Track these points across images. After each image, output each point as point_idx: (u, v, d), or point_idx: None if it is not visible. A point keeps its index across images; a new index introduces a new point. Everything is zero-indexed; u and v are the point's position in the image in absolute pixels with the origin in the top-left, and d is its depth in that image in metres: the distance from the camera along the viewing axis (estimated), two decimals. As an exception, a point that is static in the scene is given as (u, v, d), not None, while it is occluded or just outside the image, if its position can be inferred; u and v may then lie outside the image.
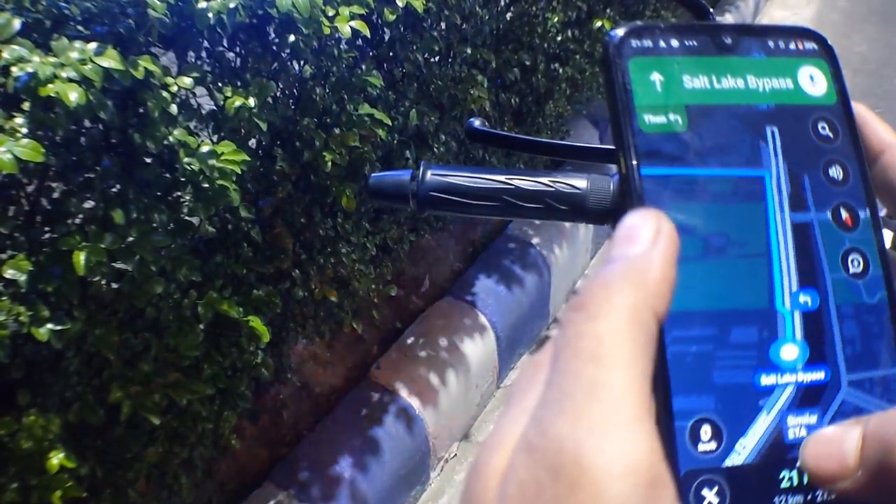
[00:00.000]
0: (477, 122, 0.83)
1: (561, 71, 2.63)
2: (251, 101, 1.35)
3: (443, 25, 1.98)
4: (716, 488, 0.30)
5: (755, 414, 0.31)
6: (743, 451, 0.30)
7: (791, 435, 0.31)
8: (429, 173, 0.75)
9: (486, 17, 2.09)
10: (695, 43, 0.36)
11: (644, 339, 0.27)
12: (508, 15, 2.36)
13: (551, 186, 0.73)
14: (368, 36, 1.51)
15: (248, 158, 1.31)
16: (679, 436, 0.30)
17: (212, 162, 1.27)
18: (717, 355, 0.31)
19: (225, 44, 1.46)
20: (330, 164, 1.56)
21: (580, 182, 0.74)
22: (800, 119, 0.36)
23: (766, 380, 0.31)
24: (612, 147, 0.54)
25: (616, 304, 0.27)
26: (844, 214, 0.34)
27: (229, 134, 1.41)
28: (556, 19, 2.40)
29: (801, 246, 0.33)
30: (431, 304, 2.48)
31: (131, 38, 1.23)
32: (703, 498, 0.30)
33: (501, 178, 0.74)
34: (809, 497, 0.30)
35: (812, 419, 0.31)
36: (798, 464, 0.30)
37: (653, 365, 0.27)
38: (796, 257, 0.33)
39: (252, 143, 1.53)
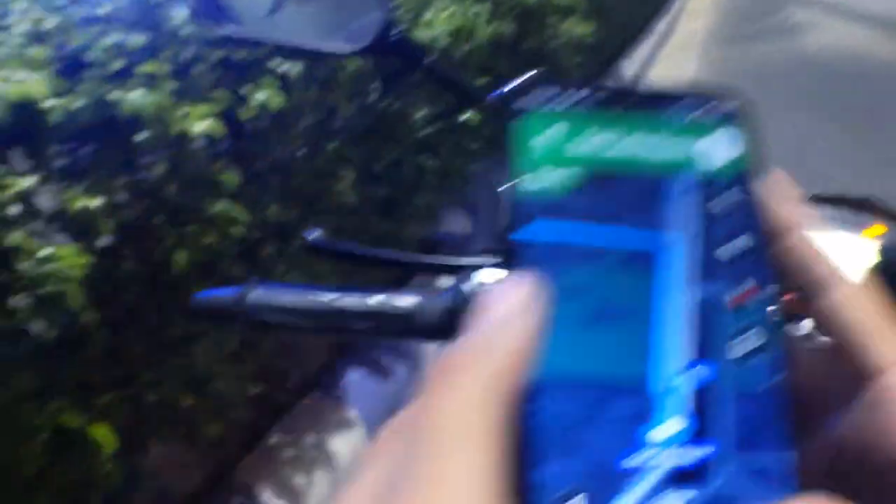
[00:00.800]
0: (315, 235, 0.81)
1: (429, 163, 2.65)
2: (96, 201, 1.30)
3: (308, 120, 1.98)
4: None
5: (621, 493, 0.28)
6: None
7: None
8: (255, 293, 0.73)
9: (350, 113, 2.10)
10: (595, 101, 0.34)
11: (493, 418, 0.25)
12: (377, 109, 2.38)
13: (380, 307, 0.72)
14: (222, 135, 1.48)
15: (90, 261, 1.26)
16: None
17: (50, 266, 1.21)
18: (586, 428, 0.29)
19: (74, 142, 1.42)
20: (184, 262, 1.51)
21: (410, 301, 0.73)
22: (702, 187, 0.33)
23: (636, 459, 0.28)
24: (457, 261, 0.52)
25: (465, 381, 0.25)
26: (740, 290, 0.32)
27: (74, 234, 1.36)
28: (422, 112, 2.44)
29: (693, 322, 0.31)
30: (298, 400, 2.42)
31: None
32: None
33: (329, 298, 0.72)
34: None
35: (689, 496, 0.28)
36: None
37: (506, 442, 0.25)
38: (684, 333, 0.31)
39: (103, 241, 1.48)
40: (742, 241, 0.33)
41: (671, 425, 0.29)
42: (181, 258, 1.53)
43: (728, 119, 0.35)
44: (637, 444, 0.29)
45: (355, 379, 2.52)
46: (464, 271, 0.73)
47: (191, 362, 1.74)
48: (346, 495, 0.26)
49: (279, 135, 1.81)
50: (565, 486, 0.27)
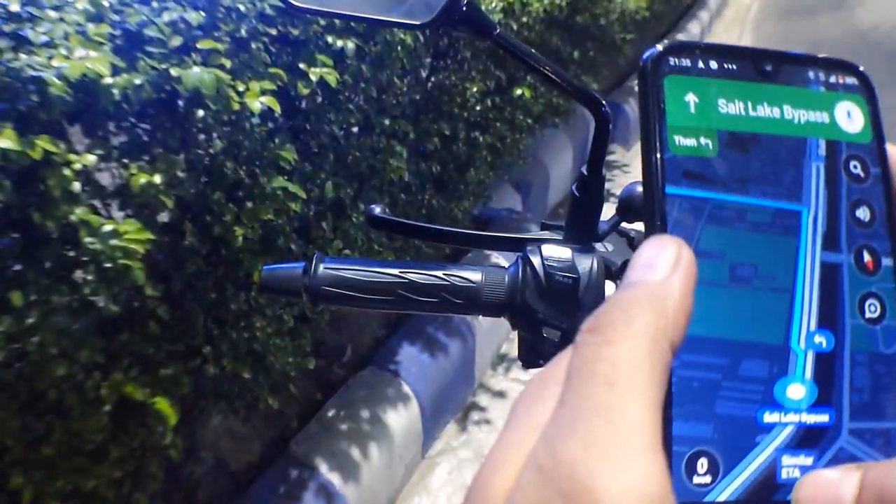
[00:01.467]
0: (377, 210, 0.82)
1: (481, 139, 2.65)
2: (157, 178, 1.32)
3: (360, 97, 1.98)
4: None
5: (751, 449, 0.30)
6: (734, 485, 0.30)
7: (784, 474, 0.30)
8: (321, 267, 0.74)
9: (405, 89, 2.10)
10: (734, 66, 0.35)
11: (660, 368, 0.26)
12: (428, 85, 2.37)
13: (446, 280, 0.72)
14: (279, 112, 1.49)
15: (152, 237, 1.28)
16: (675, 465, 0.29)
17: (114, 241, 1.24)
18: (723, 385, 0.31)
19: (132, 119, 1.43)
20: (241, 238, 1.53)
21: (475, 275, 0.73)
22: (833, 155, 0.34)
23: (769, 417, 0.31)
24: (517, 236, 0.64)
25: (635, 329, 0.26)
26: (867, 258, 0.33)
27: (136, 210, 1.38)
28: (475, 89, 2.43)
29: (825, 286, 0.33)
30: (353, 375, 2.44)
31: (32, 115, 1.20)
32: None
33: (395, 271, 0.73)
34: None
35: (808, 461, 0.31)
36: (789, 502, 0.30)
37: (665, 393, 0.27)
38: (819, 297, 0.32)
39: (162, 217, 1.50)
40: (871, 207, 0.34)
41: (799, 388, 0.31)
42: (239, 234, 1.54)
43: (857, 89, 0.36)
44: (769, 404, 0.31)
45: (409, 354, 2.54)
46: (524, 246, 0.73)
47: (250, 336, 1.76)
48: (509, 433, 0.28)
49: (334, 111, 1.82)
50: (700, 442, 0.30)
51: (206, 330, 1.68)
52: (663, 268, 0.28)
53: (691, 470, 0.29)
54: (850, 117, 0.35)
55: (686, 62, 0.34)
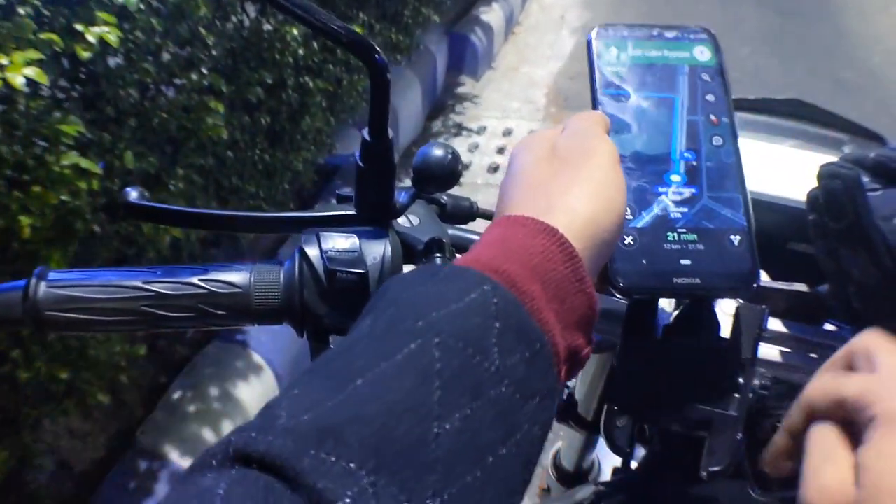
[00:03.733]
0: (133, 195, 0.65)
1: (312, 84, 2.48)
2: None
3: (166, 53, 1.79)
4: (631, 236, 0.55)
5: (653, 203, 0.56)
6: (643, 220, 0.55)
7: (671, 215, 0.56)
8: (43, 286, 0.59)
9: (213, 39, 1.91)
10: (638, 33, 0.64)
11: (605, 134, 0.54)
12: (244, 32, 2.19)
13: (204, 287, 0.59)
14: (46, 83, 1.30)
15: None
16: None
17: None
18: (635, 174, 0.57)
19: None
20: (28, 229, 1.35)
21: (241, 277, 0.60)
22: (693, 72, 0.62)
23: (661, 189, 0.57)
24: (300, 215, 0.64)
25: (589, 123, 0.53)
26: (713, 118, 0.60)
27: None
28: (295, 31, 2.25)
29: (689, 130, 0.59)
30: (198, 352, 2.28)
31: None
32: (625, 240, 0.54)
33: (138, 282, 0.58)
34: (684, 248, 0.55)
35: (684, 209, 0.56)
36: (678, 227, 0.56)
37: None
38: (686, 135, 0.59)
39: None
40: (714, 94, 0.61)
41: (677, 176, 0.57)
42: (26, 224, 1.36)
43: (707, 39, 0.65)
44: (661, 183, 0.57)
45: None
46: (311, 229, 0.61)
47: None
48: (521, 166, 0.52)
49: (128, 72, 1.63)
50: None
51: (9, 335, 1.50)
52: (597, 117, 0.55)
53: None
54: (702, 53, 0.64)
55: (611, 31, 0.64)
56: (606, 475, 0.88)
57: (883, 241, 0.62)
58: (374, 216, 0.61)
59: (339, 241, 0.59)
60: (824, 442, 0.45)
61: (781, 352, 0.69)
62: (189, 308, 0.59)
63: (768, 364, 0.69)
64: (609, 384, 0.90)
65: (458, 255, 0.65)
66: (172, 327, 0.60)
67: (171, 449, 2.01)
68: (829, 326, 0.74)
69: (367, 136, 0.58)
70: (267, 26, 2.28)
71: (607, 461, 1.07)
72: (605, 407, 0.71)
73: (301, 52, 2.33)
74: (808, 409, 0.48)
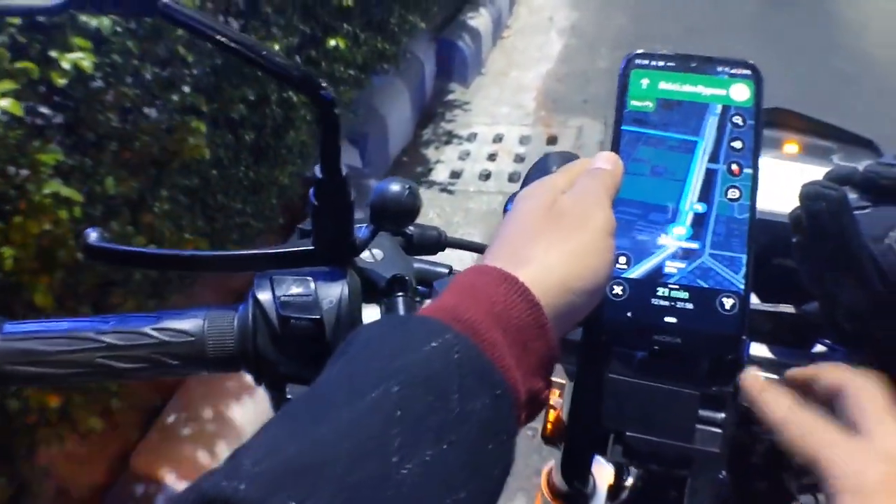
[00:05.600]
0: (93, 237, 0.63)
1: (296, 98, 2.47)
2: None
3: (146, 75, 1.78)
4: (622, 286, 0.55)
5: (650, 256, 0.55)
6: (638, 270, 0.55)
7: (666, 269, 0.55)
8: (-2, 341, 0.58)
9: (193, 58, 1.90)
10: (673, 64, 0.60)
11: (609, 206, 0.52)
12: (225, 49, 2.17)
13: (156, 337, 0.57)
14: (21, 114, 1.29)
15: None
16: None
17: None
18: (638, 223, 0.56)
19: None
20: (11, 260, 1.34)
21: (194, 325, 0.58)
22: (725, 113, 0.58)
23: (662, 241, 0.55)
24: (264, 252, 0.61)
25: (602, 189, 0.53)
26: (734, 168, 0.56)
27: None
28: (277, 46, 2.24)
29: (706, 180, 0.56)
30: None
31: None
32: (615, 289, 0.54)
33: (91, 333, 0.57)
34: (672, 305, 0.54)
35: (681, 265, 0.55)
36: (670, 283, 0.55)
37: None
38: (701, 185, 0.56)
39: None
40: (742, 140, 0.57)
41: (681, 229, 0.55)
42: (8, 255, 1.34)
43: (749, 76, 0.59)
44: (663, 234, 0.55)
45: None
46: (265, 273, 0.59)
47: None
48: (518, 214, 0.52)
49: (106, 96, 1.61)
50: (622, 249, 0.55)
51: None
52: (612, 164, 0.55)
53: (617, 261, 0.54)
54: (740, 92, 0.58)
55: (645, 61, 0.60)
56: (602, 492, 0.87)
57: (873, 263, 0.60)
58: (332, 254, 0.59)
59: (294, 286, 0.58)
60: None
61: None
62: (142, 359, 0.58)
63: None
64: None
65: (422, 289, 0.64)
66: (127, 378, 0.59)
67: (166, 472, 2.00)
68: (819, 347, 0.72)
69: (319, 174, 0.56)
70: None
71: (602, 478, 1.05)
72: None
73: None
74: (785, 444, 0.52)
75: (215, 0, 2.12)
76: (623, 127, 0.58)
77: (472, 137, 4.48)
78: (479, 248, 0.82)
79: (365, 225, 0.62)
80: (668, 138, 0.57)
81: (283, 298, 0.57)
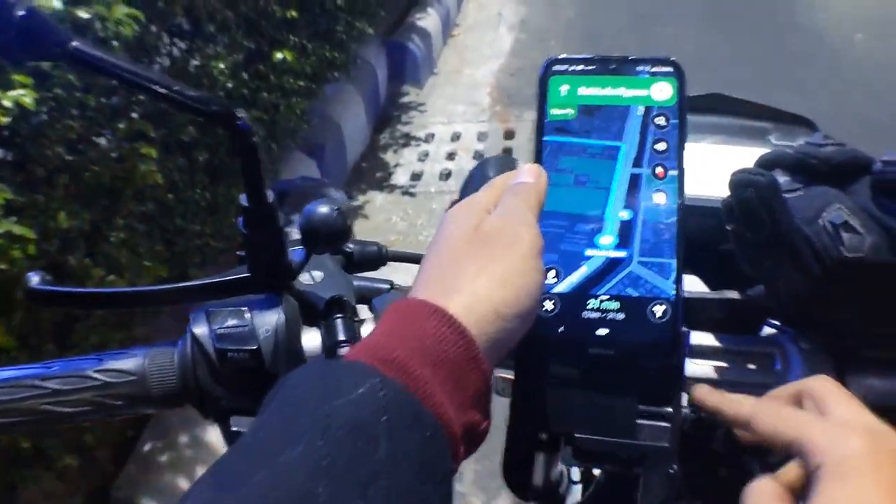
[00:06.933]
0: (34, 280, 0.62)
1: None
2: None
3: (91, 106, 1.76)
4: (552, 301, 0.54)
5: (579, 266, 0.54)
6: (569, 284, 0.54)
7: (597, 281, 0.54)
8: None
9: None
10: (592, 67, 0.58)
11: (535, 222, 0.51)
12: (171, 73, 2.16)
13: (98, 379, 0.57)
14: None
15: None
16: None
17: None
18: (566, 235, 0.55)
19: None
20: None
21: (135, 364, 0.58)
22: (647, 114, 0.57)
23: (589, 252, 0.54)
24: (199, 282, 0.60)
25: (525, 205, 0.52)
26: (659, 170, 0.55)
27: None
28: (221, 65, 2.23)
29: (631, 185, 0.55)
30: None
31: None
32: (545, 305, 0.54)
33: (34, 381, 0.57)
34: (603, 317, 0.53)
35: (610, 275, 0.54)
36: (600, 294, 0.54)
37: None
38: (626, 191, 0.55)
39: None
40: (666, 141, 0.56)
41: (609, 238, 0.54)
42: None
43: (671, 73, 0.57)
44: (590, 245, 0.54)
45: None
46: (200, 307, 0.59)
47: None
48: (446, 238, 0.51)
49: (52, 130, 1.60)
50: (550, 263, 0.54)
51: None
52: (535, 178, 0.54)
53: (545, 275, 0.52)
54: (662, 91, 0.57)
55: (563, 66, 0.58)
56: (576, 487, 0.87)
57: (808, 245, 0.60)
58: (268, 280, 0.59)
59: (229, 317, 0.58)
60: (763, 498, 0.48)
61: (715, 367, 0.67)
62: (86, 402, 0.57)
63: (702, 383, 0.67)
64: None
65: (361, 307, 0.64)
66: (73, 422, 0.59)
67: (147, 501, 1.98)
68: (767, 330, 0.72)
69: (245, 203, 0.56)
70: (194, 62, 2.25)
71: (576, 472, 1.06)
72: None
73: (230, 84, 2.30)
74: (759, 436, 0.52)
75: (159, 21, 2.11)
76: (545, 138, 0.57)
77: (429, 138, 4.48)
78: (420, 260, 0.82)
79: (298, 249, 0.61)
80: (590, 145, 0.56)
81: (219, 331, 0.57)
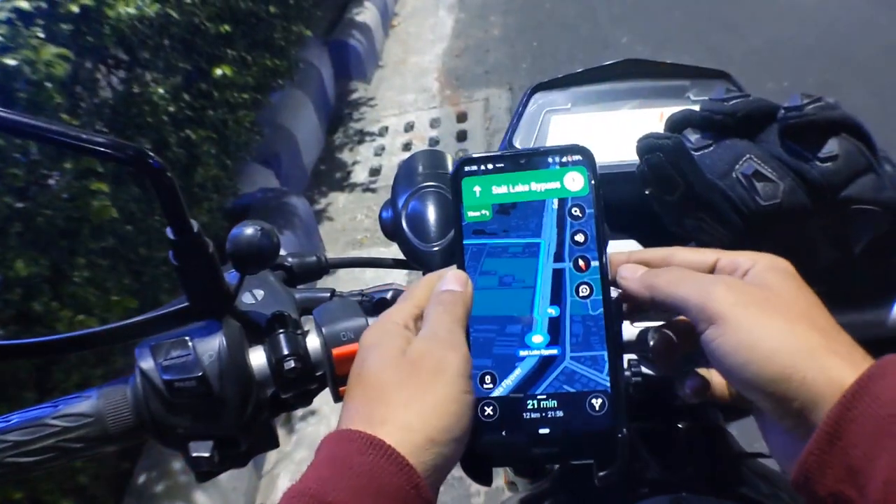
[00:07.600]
0: None
1: (194, 135, 2.45)
2: None
3: (32, 151, 1.76)
4: (491, 406, 0.53)
5: (513, 370, 0.53)
6: (506, 388, 0.53)
7: (532, 381, 0.53)
8: None
9: (77, 122, 1.88)
10: (502, 164, 0.58)
11: (462, 334, 0.52)
12: (107, 107, 2.15)
13: (56, 425, 0.58)
14: None
15: None
16: (474, 379, 0.53)
17: None
18: (497, 339, 0.54)
19: None
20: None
21: (90, 405, 0.59)
22: (562, 207, 0.57)
23: (522, 353, 0.54)
24: (139, 319, 0.61)
25: (450, 317, 0.52)
26: (581, 263, 0.55)
27: None
28: (160, 90, 2.22)
29: (554, 281, 0.55)
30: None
31: None
32: (485, 411, 0.52)
33: (-2, 435, 0.58)
34: (543, 416, 0.52)
35: (545, 374, 0.53)
36: (538, 394, 0.53)
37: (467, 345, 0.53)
38: (551, 288, 0.55)
39: None
40: (584, 233, 0.56)
41: (539, 336, 0.54)
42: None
43: (580, 162, 0.57)
44: (522, 346, 0.54)
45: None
46: (144, 341, 0.60)
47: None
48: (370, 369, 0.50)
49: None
50: (485, 368, 0.53)
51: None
52: (460, 285, 0.55)
53: (482, 381, 0.53)
54: (574, 181, 0.57)
55: (473, 167, 0.58)
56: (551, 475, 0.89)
57: (725, 199, 0.61)
58: (208, 307, 0.60)
59: (172, 349, 0.59)
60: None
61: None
62: (48, 449, 0.58)
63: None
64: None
65: (306, 318, 0.65)
66: (37, 471, 0.59)
67: (149, 532, 1.99)
68: None
69: (172, 236, 0.57)
70: (136, 89, 2.24)
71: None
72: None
73: (172, 108, 2.30)
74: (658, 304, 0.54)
75: (91, 56, 2.10)
76: (465, 241, 0.56)
77: (383, 132, 4.49)
78: (361, 263, 0.83)
79: (232, 272, 0.62)
80: (510, 244, 0.56)
81: (164, 363, 0.58)
